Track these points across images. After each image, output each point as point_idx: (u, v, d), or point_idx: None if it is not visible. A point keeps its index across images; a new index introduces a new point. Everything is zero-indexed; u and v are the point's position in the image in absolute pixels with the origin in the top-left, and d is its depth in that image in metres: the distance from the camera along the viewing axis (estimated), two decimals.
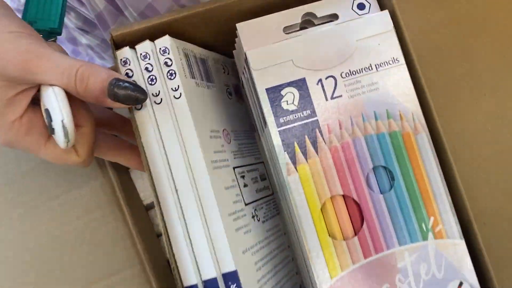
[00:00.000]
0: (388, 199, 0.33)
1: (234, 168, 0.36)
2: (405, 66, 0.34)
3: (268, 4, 0.35)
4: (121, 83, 0.29)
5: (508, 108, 0.34)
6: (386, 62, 0.34)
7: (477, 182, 0.34)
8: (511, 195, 0.34)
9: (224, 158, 0.34)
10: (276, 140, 0.33)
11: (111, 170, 0.39)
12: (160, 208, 0.31)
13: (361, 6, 0.35)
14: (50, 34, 0.35)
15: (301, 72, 0.33)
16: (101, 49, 0.56)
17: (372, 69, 0.33)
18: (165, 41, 0.32)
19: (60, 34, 0.36)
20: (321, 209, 0.32)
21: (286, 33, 0.34)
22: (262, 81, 0.33)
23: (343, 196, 0.33)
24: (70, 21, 0.53)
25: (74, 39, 0.63)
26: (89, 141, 0.32)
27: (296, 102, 0.33)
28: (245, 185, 0.36)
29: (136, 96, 0.30)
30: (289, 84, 0.33)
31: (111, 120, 0.37)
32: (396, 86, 0.33)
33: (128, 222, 0.38)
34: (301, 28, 0.35)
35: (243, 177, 0.36)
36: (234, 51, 0.37)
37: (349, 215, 0.33)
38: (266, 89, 0.33)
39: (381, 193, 0.33)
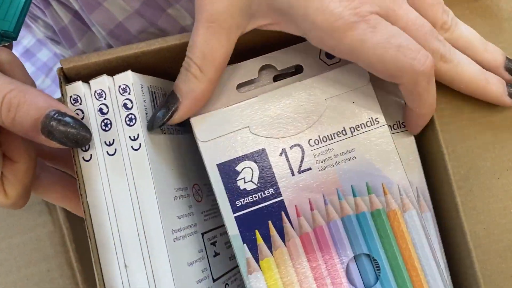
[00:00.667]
0: None
1: (203, 234, 0.29)
2: (386, 127, 0.28)
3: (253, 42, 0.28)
4: (61, 117, 0.23)
5: None
6: (363, 124, 0.27)
7: (499, 277, 0.28)
8: None
9: (191, 224, 0.28)
10: (232, 229, 0.26)
11: (62, 216, 0.33)
12: None
13: (330, 54, 0.28)
14: (2, 37, 0.29)
15: (260, 141, 0.27)
16: None
17: (346, 133, 0.27)
18: (126, 77, 0.26)
19: (15, 39, 0.30)
20: None
21: (240, 92, 0.28)
22: (212, 155, 0.27)
23: None
24: (38, 29, 0.47)
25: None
26: (24, 180, 0.26)
27: (255, 180, 0.27)
28: (215, 254, 0.30)
29: (77, 137, 0.24)
30: (246, 157, 0.27)
31: (61, 154, 0.30)
32: (377, 153, 0.27)
33: (77, 280, 0.32)
34: (260, 81, 0.29)
35: (214, 243, 0.30)
36: None
37: None
38: (217, 165, 0.27)
39: (365, 287, 0.27)
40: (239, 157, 0.27)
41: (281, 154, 0.27)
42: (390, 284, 0.26)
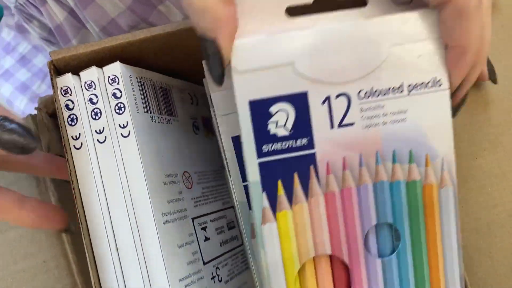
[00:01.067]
0: (387, 266, 0.25)
1: (193, 219, 0.29)
2: (447, 92, 0.24)
3: None
4: (7, 123, 0.23)
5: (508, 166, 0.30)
6: (424, 84, 0.24)
7: (477, 254, 0.27)
8: None
9: (181, 208, 0.28)
10: (253, 174, 0.23)
11: None
12: (97, 271, 0.25)
13: None
14: None
15: (304, 83, 0.23)
16: None
17: (403, 91, 0.24)
18: (115, 68, 0.26)
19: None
20: (299, 272, 0.25)
21: (290, 17, 0.23)
22: (245, 90, 0.23)
23: (330, 257, 0.25)
24: (33, 30, 0.47)
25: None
26: None
27: (289, 125, 0.23)
28: (206, 239, 0.30)
29: (22, 144, 0.24)
30: (284, 99, 0.23)
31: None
32: (430, 119, 0.24)
33: (73, 270, 0.33)
34: (314, 11, 0.24)
35: (204, 229, 0.30)
36: (204, 79, 0.28)
37: (334, 282, 0.25)
38: (250, 101, 0.23)
39: (379, 257, 0.25)
40: (276, 97, 0.23)
41: (324, 102, 0.23)
42: (406, 259, 0.25)
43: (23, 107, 0.64)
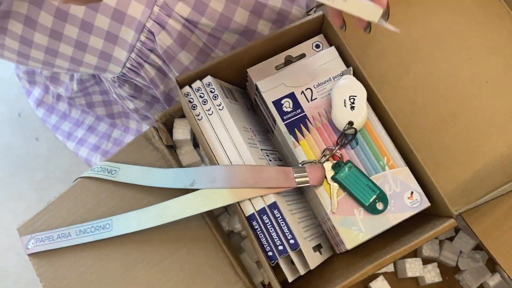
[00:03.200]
0: (358, 153, 0.55)
1: (261, 149, 0.54)
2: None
3: (265, 51, 0.55)
4: None
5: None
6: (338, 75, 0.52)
7: (411, 127, 0.54)
8: (433, 127, 0.54)
9: (254, 143, 0.53)
10: (283, 128, 0.56)
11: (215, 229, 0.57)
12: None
13: (317, 46, 0.52)
14: None
15: (290, 89, 0.54)
16: (145, 110, 0.77)
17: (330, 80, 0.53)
18: (208, 79, 0.53)
19: None
20: None
21: (276, 70, 0.55)
22: (269, 97, 0.55)
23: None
24: (124, 91, 0.69)
25: (115, 114, 0.87)
26: None
27: (291, 106, 0.55)
28: (269, 161, 0.55)
29: None
30: (286, 96, 0.55)
31: None
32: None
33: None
34: (285, 65, 0.55)
35: (267, 155, 0.55)
36: (247, 83, 0.58)
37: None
38: (272, 102, 0.55)
39: (351, 148, 0.55)
40: (282, 97, 0.55)
41: (301, 93, 0.54)
42: (365, 147, 0.54)
43: (98, 161, 0.88)
